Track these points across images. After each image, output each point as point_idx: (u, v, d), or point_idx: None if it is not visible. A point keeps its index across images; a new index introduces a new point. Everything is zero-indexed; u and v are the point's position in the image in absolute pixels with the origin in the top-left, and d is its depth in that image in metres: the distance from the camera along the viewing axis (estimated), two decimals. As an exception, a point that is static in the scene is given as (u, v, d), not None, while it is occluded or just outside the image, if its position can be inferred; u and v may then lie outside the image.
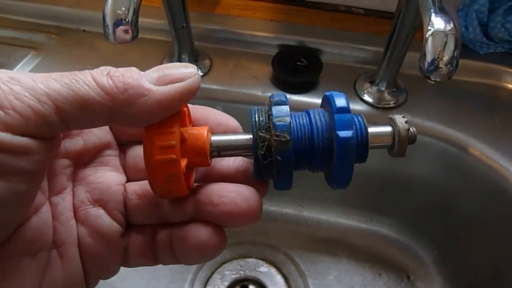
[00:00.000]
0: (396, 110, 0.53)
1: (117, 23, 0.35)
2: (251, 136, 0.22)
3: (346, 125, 0.20)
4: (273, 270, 0.62)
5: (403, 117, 0.22)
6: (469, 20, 0.55)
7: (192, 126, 0.24)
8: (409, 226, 0.63)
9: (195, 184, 0.24)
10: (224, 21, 0.61)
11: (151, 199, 0.23)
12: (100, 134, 0.24)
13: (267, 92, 0.54)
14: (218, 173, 0.24)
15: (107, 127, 0.25)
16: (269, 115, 0.21)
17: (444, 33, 0.32)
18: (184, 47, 0.54)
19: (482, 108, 0.53)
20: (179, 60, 0.55)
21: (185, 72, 0.20)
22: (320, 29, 0.59)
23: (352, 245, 0.64)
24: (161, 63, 0.55)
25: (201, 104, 0.25)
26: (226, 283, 0.61)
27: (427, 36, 0.32)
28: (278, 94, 0.22)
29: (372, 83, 0.54)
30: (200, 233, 0.22)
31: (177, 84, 0.20)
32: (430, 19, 0.33)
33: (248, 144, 0.22)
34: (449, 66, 0.32)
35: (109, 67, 0.19)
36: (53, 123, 0.18)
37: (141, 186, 0.24)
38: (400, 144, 0.21)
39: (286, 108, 0.21)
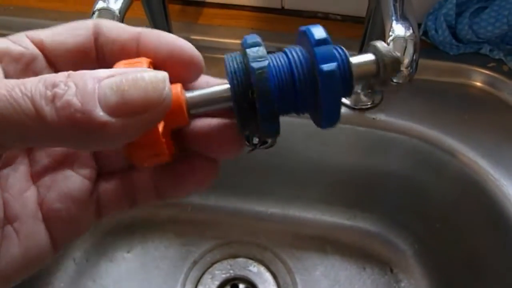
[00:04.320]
0: (373, 110, 0.56)
1: (102, 37, 0.37)
2: (229, 85, 0.20)
3: (328, 57, 0.19)
4: (262, 269, 0.64)
5: (386, 44, 0.21)
6: (438, 23, 0.58)
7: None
8: (391, 221, 0.66)
9: None
10: (207, 30, 0.64)
11: None
12: None
13: (250, 97, 0.57)
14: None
15: None
16: (244, 58, 0.20)
17: (404, 38, 0.35)
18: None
19: (453, 106, 0.56)
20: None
21: (150, 98, 0.16)
22: (298, 35, 0.62)
23: (337, 241, 0.67)
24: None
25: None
26: (217, 283, 0.63)
27: (388, 41, 0.35)
28: (252, 36, 0.20)
29: (348, 85, 0.56)
30: (196, 163, 0.21)
31: (138, 117, 0.16)
32: (391, 26, 0.35)
33: (227, 95, 0.20)
34: (409, 68, 0.35)
35: (56, 83, 0.16)
36: None
37: None
38: (385, 70, 0.20)
39: (261, 48, 0.20)
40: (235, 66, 0.20)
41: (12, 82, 0.15)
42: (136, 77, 0.16)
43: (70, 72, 0.16)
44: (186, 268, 0.64)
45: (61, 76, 0.16)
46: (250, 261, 0.65)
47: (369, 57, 0.20)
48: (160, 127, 0.19)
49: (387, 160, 0.59)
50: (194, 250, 0.66)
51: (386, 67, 0.20)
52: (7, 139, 0.16)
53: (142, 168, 0.21)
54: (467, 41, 0.58)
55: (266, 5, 0.66)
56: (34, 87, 0.15)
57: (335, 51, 0.20)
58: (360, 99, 0.56)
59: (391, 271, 0.64)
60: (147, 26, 0.53)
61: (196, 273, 0.64)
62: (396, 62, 0.20)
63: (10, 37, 0.19)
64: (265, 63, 0.19)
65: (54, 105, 0.15)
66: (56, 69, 0.20)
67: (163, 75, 0.17)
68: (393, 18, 0.36)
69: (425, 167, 0.56)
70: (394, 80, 0.35)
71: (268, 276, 0.64)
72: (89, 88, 0.16)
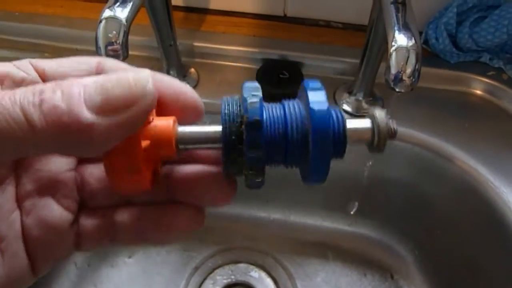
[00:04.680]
0: (374, 117, 0.56)
1: (109, 45, 0.38)
2: (220, 129, 0.20)
3: (322, 117, 0.19)
4: (263, 274, 0.65)
5: (383, 111, 0.21)
6: (439, 32, 0.59)
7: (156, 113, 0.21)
8: (391, 228, 0.66)
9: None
10: (210, 37, 0.64)
11: None
12: None
13: (252, 104, 0.57)
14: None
15: None
16: (241, 103, 0.20)
17: (406, 48, 0.35)
18: (172, 63, 0.57)
19: (454, 114, 0.56)
20: (168, 75, 0.58)
21: (134, 92, 0.17)
22: (300, 43, 0.63)
23: (338, 247, 0.67)
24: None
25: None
26: (218, 288, 0.63)
27: (391, 51, 0.36)
28: (251, 82, 0.21)
29: (350, 93, 0.57)
30: (182, 214, 0.21)
31: (123, 113, 0.17)
32: (394, 36, 0.36)
33: (217, 136, 0.20)
34: (411, 78, 0.36)
35: (43, 90, 0.16)
36: None
37: (98, 167, 0.22)
38: (380, 139, 0.20)
39: (258, 98, 0.20)
40: (230, 110, 0.20)
41: (2, 92, 0.16)
42: (120, 76, 0.17)
43: (58, 81, 0.17)
44: (187, 274, 0.64)
45: (49, 84, 0.16)
46: (252, 267, 0.65)
47: (365, 123, 0.21)
48: (143, 143, 0.19)
49: (388, 167, 0.59)
50: (196, 255, 0.66)
51: (380, 137, 0.20)
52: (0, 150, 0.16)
53: (121, 193, 0.21)
54: (467, 50, 0.59)
55: (268, 13, 0.67)
56: (23, 95, 0.16)
57: (332, 112, 0.20)
58: (361, 106, 0.57)
59: (392, 277, 0.64)
60: (151, 34, 0.54)
61: (198, 279, 0.64)
62: (391, 133, 0.20)
63: (15, 62, 0.20)
64: (259, 114, 0.19)
65: (42, 110, 0.16)
66: None
67: (146, 73, 0.18)
68: (396, 28, 0.36)
69: (426, 174, 0.57)
70: (397, 90, 0.36)
71: (269, 281, 0.64)
72: (74, 92, 0.16)
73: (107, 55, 0.39)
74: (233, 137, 0.19)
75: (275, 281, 0.64)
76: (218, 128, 0.20)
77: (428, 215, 0.60)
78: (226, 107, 0.20)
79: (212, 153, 0.22)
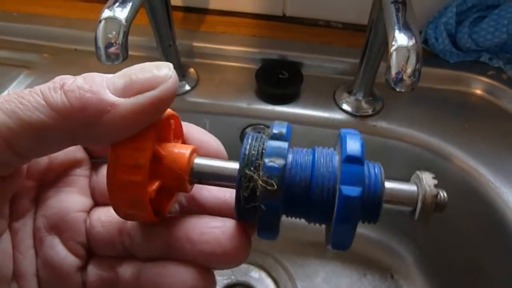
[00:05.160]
0: (374, 117, 0.56)
1: (108, 46, 0.37)
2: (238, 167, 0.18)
3: (354, 180, 0.16)
4: (263, 275, 0.65)
5: (433, 177, 0.18)
6: (439, 31, 0.59)
7: (181, 142, 0.21)
8: (392, 228, 0.66)
9: (170, 215, 0.20)
10: (209, 37, 0.64)
11: (116, 228, 0.20)
12: (69, 150, 0.20)
13: (252, 104, 0.57)
14: (198, 201, 0.21)
15: None
16: (263, 149, 0.18)
17: (407, 48, 0.35)
18: (171, 63, 0.57)
19: (453, 114, 0.56)
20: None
21: (157, 76, 0.17)
22: (300, 43, 0.63)
23: (337, 248, 0.67)
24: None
25: (189, 117, 0.24)
26: (218, 289, 0.63)
27: (391, 51, 0.36)
28: (280, 124, 0.18)
29: (350, 93, 0.57)
30: (184, 275, 0.18)
31: (147, 94, 0.16)
32: (394, 35, 0.36)
33: (234, 176, 0.18)
34: (412, 77, 0.36)
35: (65, 77, 0.16)
36: (6, 161, 0.16)
37: (107, 211, 0.20)
38: (423, 210, 0.17)
39: (283, 145, 0.17)
40: (250, 153, 0.18)
41: (21, 91, 0.16)
42: (142, 65, 0.17)
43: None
44: (187, 274, 0.64)
45: (66, 77, 0.17)
46: (252, 267, 0.65)
47: (410, 187, 0.18)
48: (153, 186, 0.18)
49: (388, 167, 0.59)
50: (196, 256, 0.66)
51: (424, 208, 0.17)
52: (24, 145, 0.16)
53: (122, 217, 0.19)
54: (467, 50, 0.59)
55: (267, 13, 0.67)
56: (43, 86, 0.16)
57: (367, 171, 0.17)
58: (361, 106, 0.56)
59: (392, 277, 0.64)
60: (151, 34, 0.54)
61: (198, 279, 0.64)
62: (439, 206, 0.17)
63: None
64: (280, 166, 0.17)
65: (64, 91, 0.16)
66: None
67: (167, 63, 0.18)
68: (396, 27, 0.36)
69: (426, 174, 0.56)
70: (398, 89, 0.36)
71: (269, 282, 0.64)
72: (96, 79, 0.16)
73: (107, 57, 0.39)
74: (248, 186, 0.17)
75: (276, 282, 0.64)
76: (236, 165, 0.18)
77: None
78: (247, 147, 0.18)
79: (224, 205, 0.20)
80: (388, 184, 0.17)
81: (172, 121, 0.20)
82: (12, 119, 0.15)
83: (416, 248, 0.64)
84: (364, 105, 0.56)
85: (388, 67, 0.36)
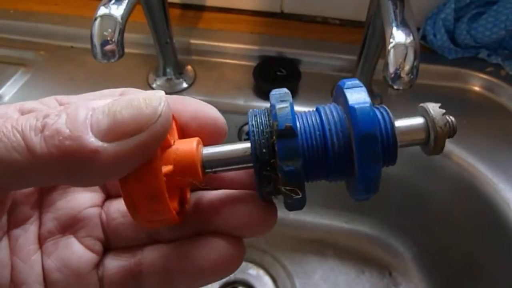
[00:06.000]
0: (372, 114, 0.56)
1: (104, 43, 0.37)
2: (249, 145, 0.18)
3: (367, 120, 0.16)
4: (261, 272, 0.65)
5: (436, 104, 0.18)
6: (437, 28, 0.58)
7: (178, 137, 0.20)
8: (389, 225, 0.66)
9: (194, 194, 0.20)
10: (207, 34, 0.64)
11: None
12: None
13: (250, 102, 0.57)
14: (218, 176, 0.20)
15: None
16: (269, 116, 0.18)
17: (405, 45, 0.35)
18: (168, 61, 0.57)
19: (452, 110, 0.55)
20: (164, 73, 0.57)
21: (145, 114, 0.15)
22: (298, 40, 0.62)
23: (336, 245, 0.67)
24: (147, 77, 0.58)
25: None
26: (216, 286, 0.63)
27: (389, 48, 0.35)
28: (278, 89, 0.18)
29: (348, 90, 0.57)
30: (217, 245, 0.19)
31: (133, 139, 0.15)
32: (391, 33, 0.36)
33: (246, 155, 0.18)
34: (410, 75, 0.35)
35: (48, 114, 0.15)
36: None
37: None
38: (437, 139, 0.17)
39: (288, 100, 0.17)
40: (258, 121, 0.17)
41: (6, 119, 0.15)
42: (130, 98, 0.16)
43: (66, 104, 0.16)
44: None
45: (59, 108, 0.16)
46: (250, 265, 0.65)
47: (417, 121, 0.18)
48: (165, 168, 0.17)
49: (386, 164, 0.59)
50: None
51: (437, 136, 0.17)
52: (1, 179, 0.15)
53: (146, 227, 0.18)
54: (465, 46, 0.59)
55: (265, 9, 0.67)
56: (26, 120, 0.15)
57: (376, 112, 0.17)
58: (359, 104, 0.56)
59: (390, 274, 0.64)
60: (147, 32, 0.54)
61: (196, 277, 0.64)
62: (451, 130, 0.17)
63: (40, 99, 0.19)
64: (291, 119, 0.16)
65: (44, 135, 0.14)
66: None
67: (159, 93, 0.16)
68: (393, 24, 0.36)
69: (424, 171, 0.56)
70: (395, 87, 0.36)
71: (267, 279, 0.64)
72: (80, 116, 0.15)
73: (103, 54, 0.39)
74: (264, 151, 0.17)
75: (274, 279, 0.64)
76: (246, 144, 0.18)
77: (426, 212, 0.60)
78: (253, 119, 0.18)
79: (244, 176, 0.20)
80: (398, 123, 0.17)
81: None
82: None
83: (414, 245, 0.64)
84: (362, 102, 0.56)
85: (386, 65, 0.36)
